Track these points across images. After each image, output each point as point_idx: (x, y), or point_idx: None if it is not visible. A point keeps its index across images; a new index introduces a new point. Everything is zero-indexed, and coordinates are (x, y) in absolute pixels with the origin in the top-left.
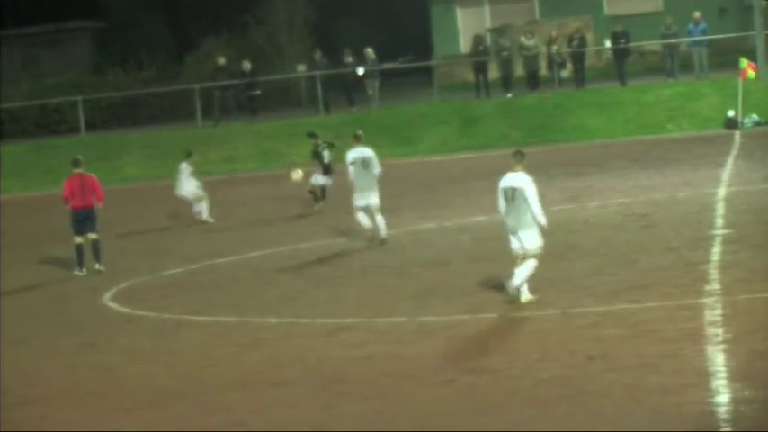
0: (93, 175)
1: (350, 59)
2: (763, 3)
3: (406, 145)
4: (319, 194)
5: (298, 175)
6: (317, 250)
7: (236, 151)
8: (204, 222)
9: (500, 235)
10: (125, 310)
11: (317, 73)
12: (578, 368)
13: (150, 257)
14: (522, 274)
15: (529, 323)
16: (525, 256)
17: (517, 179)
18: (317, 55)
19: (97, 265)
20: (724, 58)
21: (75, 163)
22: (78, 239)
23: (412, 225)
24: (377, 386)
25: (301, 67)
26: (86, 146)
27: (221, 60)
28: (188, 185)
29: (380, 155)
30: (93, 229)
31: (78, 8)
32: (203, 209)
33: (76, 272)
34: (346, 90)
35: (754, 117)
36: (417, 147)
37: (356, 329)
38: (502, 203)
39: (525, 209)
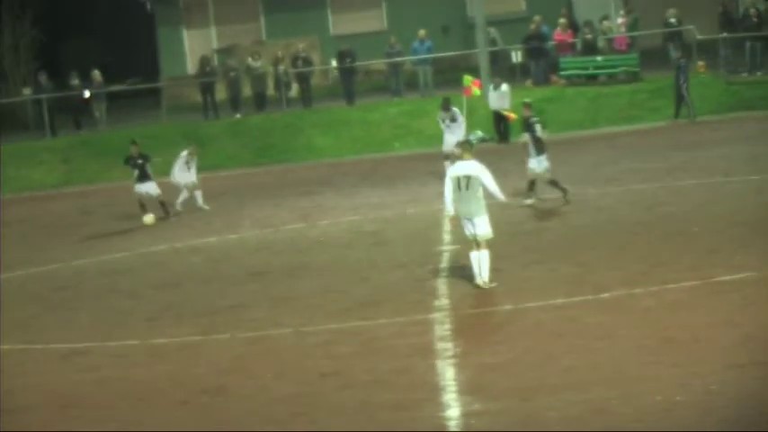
0: None
1: (76, 82)
2: (487, 26)
3: None
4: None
5: (150, 219)
6: (49, 275)
7: None
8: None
9: (231, 255)
10: None
11: (43, 96)
12: (312, 386)
13: None
14: (485, 270)
15: (262, 342)
16: (477, 241)
17: (470, 167)
18: (43, 78)
19: None
20: (447, 76)
21: None
22: None
23: (144, 247)
24: (112, 410)
25: (27, 91)
26: None
27: None
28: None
29: (108, 177)
30: None
31: None
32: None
33: None
34: (73, 113)
35: (479, 133)
36: None
37: (90, 353)
38: (450, 192)
39: (478, 196)
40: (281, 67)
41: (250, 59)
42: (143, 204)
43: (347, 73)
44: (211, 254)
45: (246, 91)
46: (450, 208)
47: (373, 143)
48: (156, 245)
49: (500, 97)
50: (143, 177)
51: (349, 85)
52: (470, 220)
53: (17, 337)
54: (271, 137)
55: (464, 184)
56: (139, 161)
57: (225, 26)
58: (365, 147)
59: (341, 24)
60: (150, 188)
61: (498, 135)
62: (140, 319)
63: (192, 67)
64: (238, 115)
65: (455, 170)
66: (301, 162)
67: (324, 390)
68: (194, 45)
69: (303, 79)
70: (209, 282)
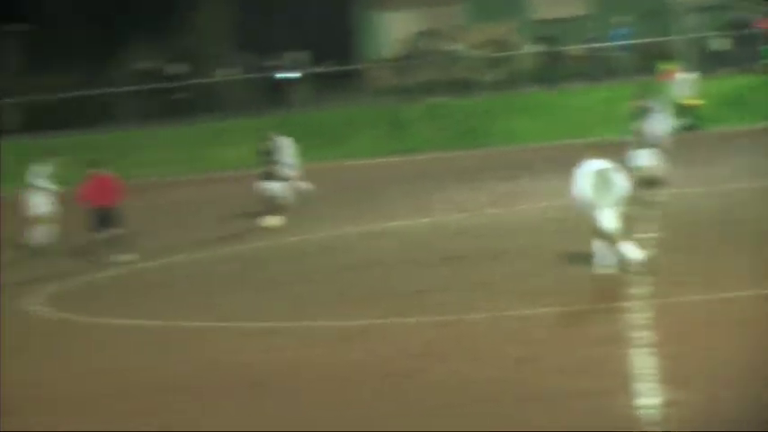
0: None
1: (278, 63)
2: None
3: (334, 148)
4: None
5: (275, 221)
6: (240, 256)
7: (161, 155)
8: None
9: (425, 238)
10: (51, 313)
11: (245, 76)
12: (506, 371)
13: (81, 259)
14: (628, 251)
15: (454, 326)
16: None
17: (605, 163)
18: (245, 58)
19: None
20: (648, 62)
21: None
22: None
23: (338, 229)
24: (300, 390)
25: (229, 71)
26: (13, 149)
27: (148, 64)
28: None
29: (308, 157)
30: None
31: (4, 11)
32: None
33: None
34: (274, 93)
35: (683, 121)
36: (345, 150)
37: (279, 334)
38: (589, 187)
39: (613, 190)
40: (482, 51)
41: (452, 43)
42: (270, 204)
43: (548, 58)
44: (405, 237)
45: (446, 75)
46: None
47: (573, 129)
48: (349, 227)
49: (687, 85)
50: (270, 177)
51: (550, 70)
52: (607, 210)
53: (206, 317)
54: (470, 121)
55: (605, 176)
56: (271, 157)
57: (426, 9)
58: (565, 132)
59: (542, 9)
60: (277, 188)
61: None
62: (331, 301)
63: (393, 50)
64: (438, 99)
65: (592, 166)
66: (500, 146)
67: (518, 375)
68: (395, 28)
69: (503, 63)
70: (401, 265)
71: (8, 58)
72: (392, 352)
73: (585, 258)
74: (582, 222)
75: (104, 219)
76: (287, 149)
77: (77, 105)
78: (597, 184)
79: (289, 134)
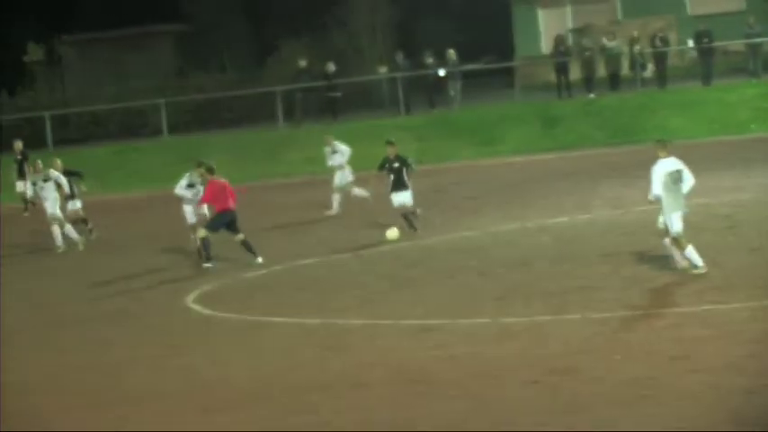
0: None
1: (431, 60)
2: None
3: (487, 145)
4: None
5: (394, 234)
6: (400, 252)
7: (317, 153)
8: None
9: (581, 235)
10: (208, 311)
11: (399, 74)
12: (661, 369)
13: (232, 259)
14: (690, 254)
15: (611, 323)
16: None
17: (677, 163)
18: (399, 56)
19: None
20: None
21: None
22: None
23: (494, 226)
24: (461, 387)
25: (383, 69)
26: (169, 148)
27: (303, 62)
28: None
29: (462, 155)
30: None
31: (162, 12)
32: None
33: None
34: (427, 91)
35: None
36: (499, 147)
37: (439, 330)
38: (661, 186)
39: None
40: (637, 47)
41: (605, 39)
42: (407, 216)
43: (704, 53)
44: (561, 233)
45: (601, 71)
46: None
47: (729, 125)
48: (505, 224)
49: None
50: (399, 185)
51: (706, 65)
52: (679, 213)
53: (369, 313)
54: (624, 117)
55: (676, 177)
56: (396, 165)
57: (580, 5)
58: (720, 128)
59: (698, 4)
60: (406, 198)
61: None
62: (490, 298)
63: (546, 46)
64: (592, 95)
65: (666, 166)
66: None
67: (672, 373)
68: (549, 24)
69: (659, 59)
70: (559, 261)
71: (164, 58)
72: (553, 349)
73: (740, 255)
74: (746, 219)
75: (231, 223)
76: (343, 155)
77: (233, 104)
78: (668, 185)
79: (442, 132)
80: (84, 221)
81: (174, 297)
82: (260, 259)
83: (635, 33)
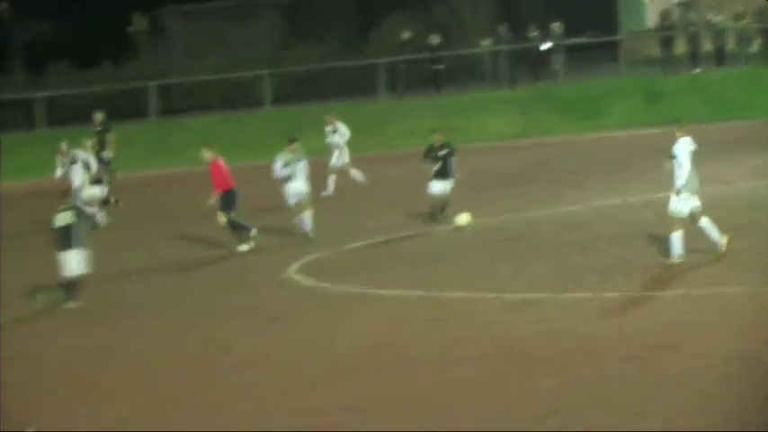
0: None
1: (535, 34)
2: None
3: (590, 119)
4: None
5: (465, 219)
6: (502, 226)
7: (419, 125)
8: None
9: None
10: (310, 283)
11: (502, 47)
12: (764, 346)
13: (336, 230)
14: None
15: (715, 300)
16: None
17: (692, 143)
18: (503, 29)
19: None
20: None
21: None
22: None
23: (597, 200)
24: (561, 362)
25: (486, 42)
26: (271, 119)
27: (407, 34)
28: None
29: (565, 130)
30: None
31: None
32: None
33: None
34: (531, 64)
35: None
36: (602, 121)
37: (540, 305)
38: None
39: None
40: (743, 22)
41: (710, 14)
42: (435, 209)
43: None
44: (664, 209)
45: (706, 45)
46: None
47: None
48: (608, 199)
49: None
50: (443, 174)
51: None
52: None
53: (471, 286)
54: (729, 92)
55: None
56: (441, 153)
57: None
58: None
59: None
60: (447, 187)
61: None
62: (592, 273)
63: (651, 20)
64: (697, 70)
65: (690, 145)
66: (759, 119)
67: None
68: None
69: (765, 34)
70: (661, 238)
71: (268, 30)
72: (651, 324)
73: None
74: None
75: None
76: (343, 135)
77: (335, 76)
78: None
79: (546, 106)
80: (105, 202)
81: (277, 268)
82: (245, 247)
83: (740, 9)
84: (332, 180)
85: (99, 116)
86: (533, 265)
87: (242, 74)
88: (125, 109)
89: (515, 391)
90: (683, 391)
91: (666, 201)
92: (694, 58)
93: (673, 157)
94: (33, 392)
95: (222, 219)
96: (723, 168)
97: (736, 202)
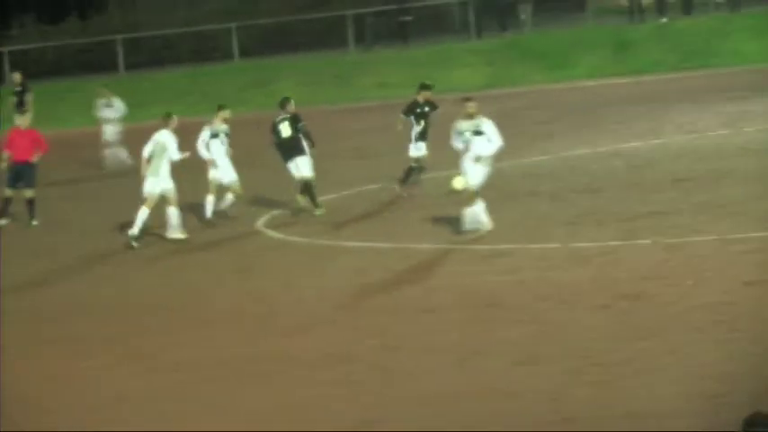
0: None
1: None
2: None
3: (559, 69)
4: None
5: (461, 182)
6: None
7: (388, 78)
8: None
9: (653, 160)
10: (278, 235)
11: None
12: (735, 294)
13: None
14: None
15: (683, 249)
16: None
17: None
18: None
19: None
20: None
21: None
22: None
23: (566, 151)
24: (531, 311)
25: None
26: (240, 72)
27: None
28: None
29: (533, 80)
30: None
31: None
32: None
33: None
34: (499, 15)
35: None
36: (571, 71)
37: (511, 255)
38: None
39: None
40: None
41: None
42: (412, 172)
43: None
44: (633, 159)
45: None
46: None
47: None
48: (577, 149)
49: None
50: (424, 135)
51: None
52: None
53: (437, 238)
54: (697, 41)
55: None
56: (425, 110)
57: None
58: None
59: None
60: (426, 151)
61: None
62: (561, 223)
63: None
64: (664, 19)
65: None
66: (727, 67)
67: (747, 298)
68: None
69: None
70: (631, 187)
71: None
72: (624, 274)
73: None
74: None
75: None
76: (117, 111)
77: (304, 28)
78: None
79: (514, 56)
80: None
81: (245, 221)
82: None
83: None
84: (108, 156)
85: (17, 76)
86: (502, 216)
87: (210, 27)
88: (93, 63)
89: (486, 338)
90: (653, 340)
91: (634, 150)
92: (661, 6)
93: None
94: None
95: None
96: (691, 117)
97: (704, 151)
